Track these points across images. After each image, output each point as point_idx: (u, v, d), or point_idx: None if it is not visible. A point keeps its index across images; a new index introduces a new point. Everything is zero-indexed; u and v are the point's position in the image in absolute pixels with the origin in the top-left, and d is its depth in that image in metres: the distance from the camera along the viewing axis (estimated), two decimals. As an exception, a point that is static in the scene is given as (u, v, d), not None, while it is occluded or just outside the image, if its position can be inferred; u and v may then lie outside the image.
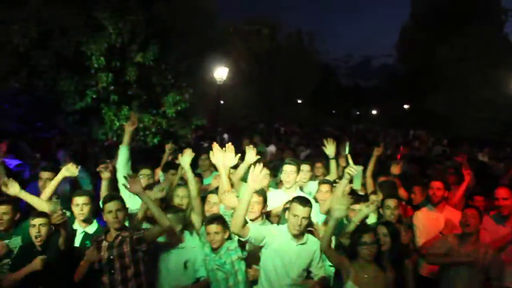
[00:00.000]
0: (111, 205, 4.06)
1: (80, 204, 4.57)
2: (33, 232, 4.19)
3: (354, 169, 4.49)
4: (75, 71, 10.16)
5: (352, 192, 5.40)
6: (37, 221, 4.20)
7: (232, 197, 4.29)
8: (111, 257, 4.02)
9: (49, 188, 4.78)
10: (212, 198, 4.96)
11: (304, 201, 4.06)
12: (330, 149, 6.17)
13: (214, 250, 4.31)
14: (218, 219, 4.31)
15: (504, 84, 18.71)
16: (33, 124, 10.53)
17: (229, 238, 4.35)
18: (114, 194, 4.37)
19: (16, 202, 4.72)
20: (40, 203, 4.56)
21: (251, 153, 4.68)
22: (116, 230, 4.09)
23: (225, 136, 16.14)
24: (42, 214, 4.27)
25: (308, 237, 4.23)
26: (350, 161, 4.59)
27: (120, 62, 10.24)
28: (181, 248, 4.40)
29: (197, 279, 4.44)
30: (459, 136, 16.79)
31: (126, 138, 5.35)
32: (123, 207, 4.15)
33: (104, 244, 4.09)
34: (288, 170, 5.24)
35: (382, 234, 4.29)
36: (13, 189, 4.58)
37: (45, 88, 10.18)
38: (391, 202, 5.08)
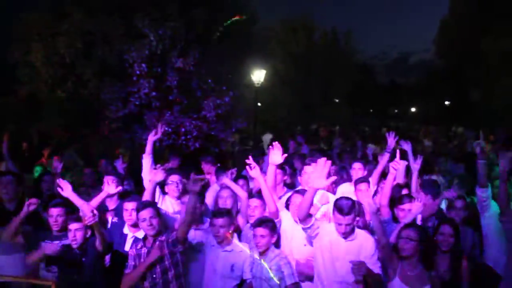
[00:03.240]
0: (145, 213, 4.11)
1: (129, 210, 4.69)
2: (70, 236, 4.33)
3: (398, 164, 4.50)
4: (118, 79, 10.44)
5: (397, 188, 5.34)
6: (72, 226, 4.34)
7: None
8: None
9: (99, 197, 4.85)
10: (253, 202, 4.90)
11: (344, 210, 3.98)
12: (391, 142, 6.14)
13: (261, 254, 4.28)
14: (266, 222, 4.27)
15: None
16: (78, 132, 10.82)
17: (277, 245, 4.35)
18: (147, 202, 4.38)
19: (68, 205, 4.86)
20: (85, 208, 4.68)
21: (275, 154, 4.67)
22: (153, 236, 4.16)
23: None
24: (78, 219, 4.40)
25: (358, 233, 4.17)
26: (397, 156, 4.61)
27: (161, 68, 10.44)
28: (228, 251, 4.41)
29: (243, 281, 4.44)
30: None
31: (148, 148, 5.37)
32: (156, 213, 4.18)
33: (144, 251, 4.16)
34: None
35: (447, 234, 4.19)
36: (66, 191, 4.65)
37: (89, 96, 10.46)
38: (459, 203, 4.97)
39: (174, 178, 5.23)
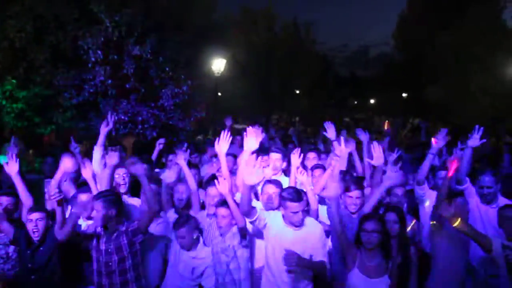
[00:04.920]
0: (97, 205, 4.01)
1: (83, 201, 4.57)
2: (30, 226, 4.19)
3: (341, 150, 4.65)
4: (72, 66, 10.12)
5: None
6: (34, 215, 4.20)
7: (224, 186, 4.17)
8: (109, 250, 4.03)
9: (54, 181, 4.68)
10: (212, 191, 4.88)
11: (295, 197, 3.96)
12: (330, 131, 6.11)
13: (221, 234, 4.29)
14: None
15: (502, 72, 18.62)
16: (30, 120, 10.42)
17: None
18: (103, 192, 4.23)
19: (18, 198, 4.68)
20: (24, 195, 4.54)
21: (250, 141, 4.55)
22: (113, 226, 4.09)
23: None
24: (39, 209, 4.29)
25: (307, 221, 4.14)
26: (342, 143, 4.73)
27: (117, 55, 10.19)
28: (192, 256, 4.41)
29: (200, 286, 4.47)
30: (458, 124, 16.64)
31: (100, 139, 5.12)
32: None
33: (103, 237, 4.10)
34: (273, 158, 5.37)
35: (392, 221, 4.25)
36: (12, 168, 4.50)
37: (42, 83, 10.11)
38: (399, 191, 5.06)
39: (120, 171, 5.00)
